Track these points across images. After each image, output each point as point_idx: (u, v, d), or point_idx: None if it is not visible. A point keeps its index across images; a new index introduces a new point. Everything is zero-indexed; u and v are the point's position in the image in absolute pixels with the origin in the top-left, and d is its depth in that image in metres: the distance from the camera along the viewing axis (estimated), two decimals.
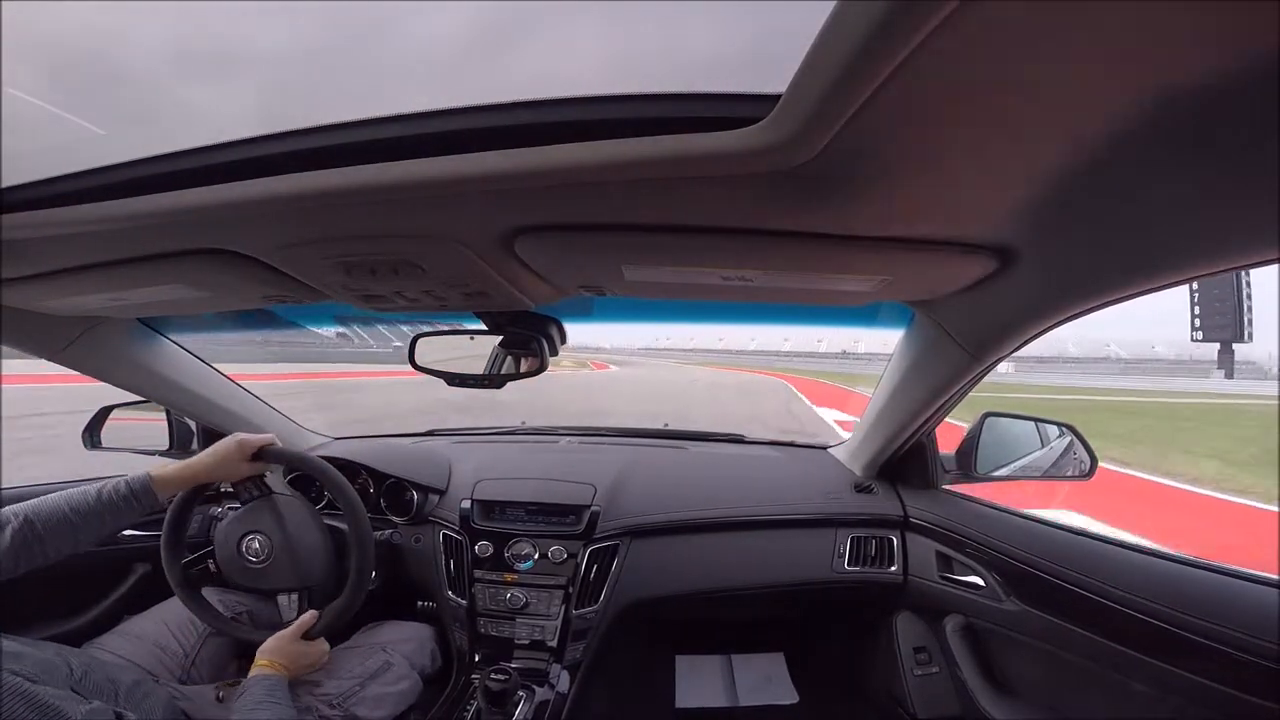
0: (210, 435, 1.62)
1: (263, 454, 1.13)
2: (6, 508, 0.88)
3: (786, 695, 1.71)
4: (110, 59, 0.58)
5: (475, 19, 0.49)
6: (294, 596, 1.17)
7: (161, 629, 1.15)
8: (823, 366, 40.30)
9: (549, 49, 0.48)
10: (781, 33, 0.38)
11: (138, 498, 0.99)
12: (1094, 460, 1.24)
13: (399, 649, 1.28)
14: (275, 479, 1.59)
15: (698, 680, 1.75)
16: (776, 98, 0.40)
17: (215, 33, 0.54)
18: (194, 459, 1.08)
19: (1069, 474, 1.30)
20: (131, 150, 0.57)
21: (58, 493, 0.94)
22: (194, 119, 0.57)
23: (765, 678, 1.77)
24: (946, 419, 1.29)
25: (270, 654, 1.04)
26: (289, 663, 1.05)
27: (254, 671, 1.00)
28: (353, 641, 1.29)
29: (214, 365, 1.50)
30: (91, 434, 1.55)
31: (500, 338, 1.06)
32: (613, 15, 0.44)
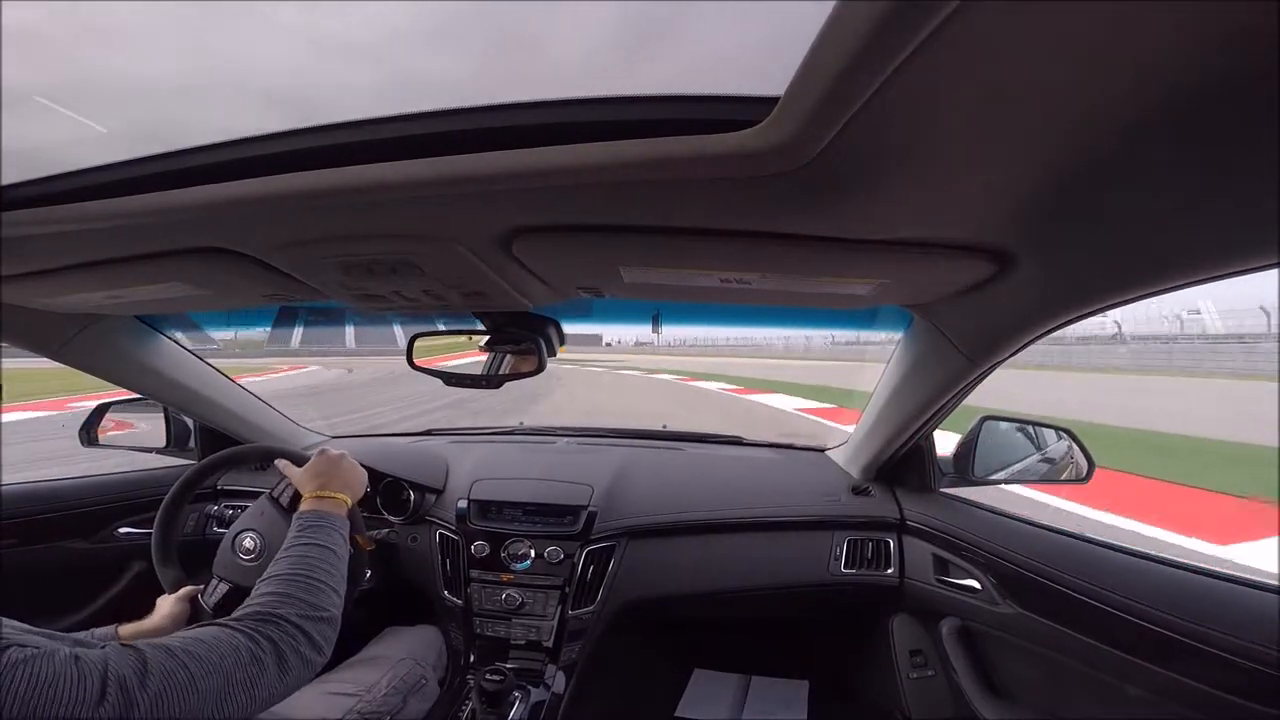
0: (207, 433, 1.62)
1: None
2: None
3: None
4: (109, 59, 0.58)
5: (471, 19, 0.49)
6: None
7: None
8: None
9: (546, 50, 0.49)
10: (781, 34, 0.38)
11: None
12: (1091, 464, 1.24)
13: (425, 659, 1.29)
14: (269, 478, 1.59)
15: (708, 694, 1.70)
16: (775, 100, 0.40)
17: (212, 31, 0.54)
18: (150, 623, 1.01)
19: (1066, 478, 1.31)
20: (132, 149, 0.57)
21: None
22: (194, 120, 0.57)
23: (782, 703, 1.67)
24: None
25: (302, 485, 0.96)
26: (325, 480, 0.96)
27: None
28: (371, 653, 1.27)
29: (212, 363, 1.50)
30: (88, 432, 1.55)
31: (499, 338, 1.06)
32: (611, 16, 0.44)
